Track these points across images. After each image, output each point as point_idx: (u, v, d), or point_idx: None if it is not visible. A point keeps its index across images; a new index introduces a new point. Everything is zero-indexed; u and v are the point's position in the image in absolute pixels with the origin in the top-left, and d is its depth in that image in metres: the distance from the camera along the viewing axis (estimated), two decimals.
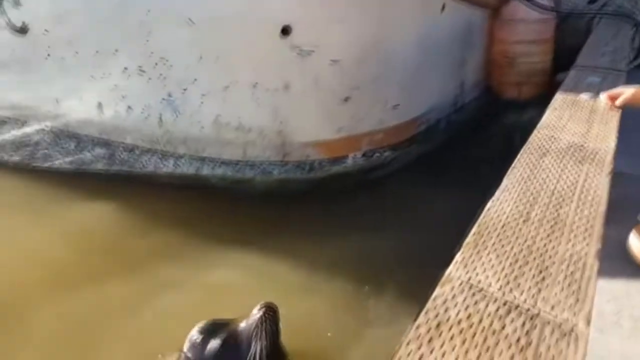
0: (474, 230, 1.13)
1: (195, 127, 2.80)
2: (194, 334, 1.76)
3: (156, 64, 2.68)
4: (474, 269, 0.98)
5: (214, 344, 1.70)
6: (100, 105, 2.95)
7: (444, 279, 0.96)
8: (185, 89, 2.72)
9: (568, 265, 0.98)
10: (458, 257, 1.03)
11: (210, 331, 1.74)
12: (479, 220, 1.17)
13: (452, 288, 0.93)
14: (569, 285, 0.92)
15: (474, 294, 0.91)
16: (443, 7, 3.15)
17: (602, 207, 1.20)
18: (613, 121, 1.76)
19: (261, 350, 1.63)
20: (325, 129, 2.93)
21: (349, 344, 1.90)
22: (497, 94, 3.90)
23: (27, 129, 3.24)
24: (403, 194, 3.08)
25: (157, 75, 2.71)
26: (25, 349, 1.97)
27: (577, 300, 0.88)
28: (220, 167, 2.92)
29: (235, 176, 2.94)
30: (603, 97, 1.94)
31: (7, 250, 2.54)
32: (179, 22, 2.55)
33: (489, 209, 1.21)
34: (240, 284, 2.29)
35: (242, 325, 1.71)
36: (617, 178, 1.56)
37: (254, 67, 2.67)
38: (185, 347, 1.77)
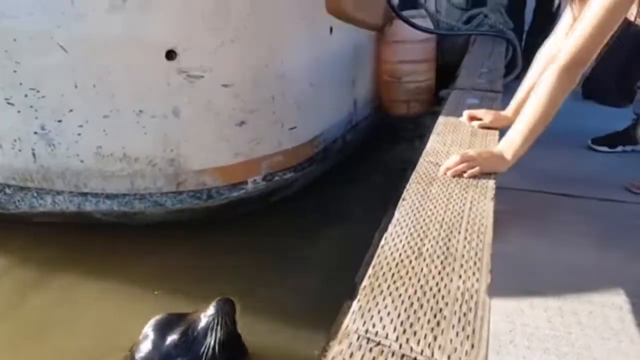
0: (369, 272, 1.10)
1: (74, 160, 2.56)
2: (150, 326, 1.83)
3: (26, 94, 2.42)
4: (371, 318, 0.95)
5: (169, 335, 1.78)
6: None
7: (341, 333, 0.92)
8: (60, 120, 2.48)
9: (461, 305, 0.99)
10: (355, 305, 0.99)
11: (166, 323, 1.82)
12: (374, 260, 1.15)
13: (350, 344, 0.89)
14: (463, 328, 0.92)
15: (371, 349, 0.87)
16: (331, 30, 3.21)
17: (489, 237, 1.24)
18: (492, 143, 1.85)
19: (216, 342, 1.71)
20: (222, 155, 2.84)
21: None
22: (387, 111, 4.05)
23: None
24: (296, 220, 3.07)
25: (28, 107, 2.45)
26: None
27: (473, 345, 0.88)
28: (104, 202, 2.70)
29: (123, 210, 2.74)
30: (464, 116, 2.06)
31: None
32: (50, 49, 2.33)
33: (383, 246, 1.20)
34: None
35: (199, 318, 1.78)
36: (498, 193, 1.64)
37: (137, 94, 2.52)
38: (141, 337, 1.82)
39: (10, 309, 2.29)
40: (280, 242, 2.82)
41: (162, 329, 1.80)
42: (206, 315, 1.77)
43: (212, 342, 1.71)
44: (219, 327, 1.72)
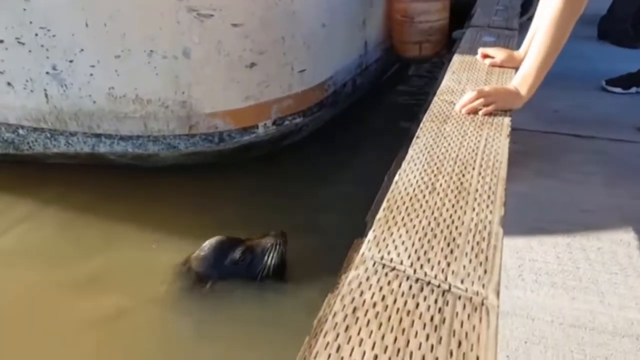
0: (384, 205, 1.13)
1: (87, 101, 2.57)
2: (209, 244, 2.07)
3: (36, 34, 2.40)
4: (386, 247, 0.99)
5: (229, 253, 2.03)
6: None
7: (358, 260, 0.96)
8: (71, 60, 2.47)
9: (474, 235, 1.02)
10: (370, 235, 1.02)
11: (224, 243, 2.07)
12: (388, 194, 1.17)
13: (367, 269, 0.93)
14: (476, 256, 0.95)
15: (387, 274, 0.91)
16: None
17: (503, 172, 1.25)
18: (508, 82, 1.83)
19: (272, 262, 2.00)
20: (233, 98, 2.82)
21: None
22: (399, 53, 3.97)
23: None
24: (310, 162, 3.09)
25: (39, 46, 2.43)
26: None
27: (485, 271, 0.91)
28: (118, 143, 2.73)
29: (137, 152, 2.77)
30: (479, 54, 2.03)
31: None
32: None
33: (396, 182, 1.22)
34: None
35: (258, 242, 2.06)
36: (512, 134, 1.65)
37: (147, 33, 2.48)
38: (199, 253, 2.06)
39: (52, 250, 2.34)
40: (291, 185, 2.86)
41: (222, 248, 2.05)
42: (267, 240, 2.05)
43: (270, 262, 2.00)
44: (275, 253, 2.01)
